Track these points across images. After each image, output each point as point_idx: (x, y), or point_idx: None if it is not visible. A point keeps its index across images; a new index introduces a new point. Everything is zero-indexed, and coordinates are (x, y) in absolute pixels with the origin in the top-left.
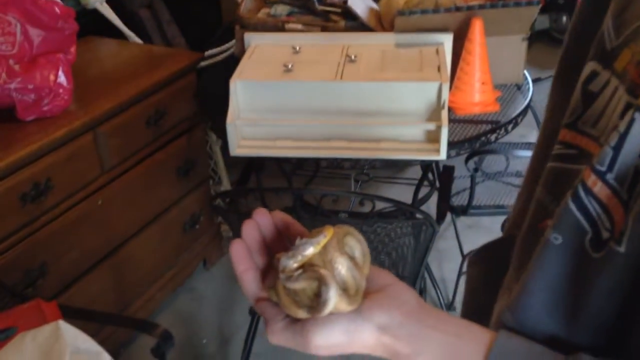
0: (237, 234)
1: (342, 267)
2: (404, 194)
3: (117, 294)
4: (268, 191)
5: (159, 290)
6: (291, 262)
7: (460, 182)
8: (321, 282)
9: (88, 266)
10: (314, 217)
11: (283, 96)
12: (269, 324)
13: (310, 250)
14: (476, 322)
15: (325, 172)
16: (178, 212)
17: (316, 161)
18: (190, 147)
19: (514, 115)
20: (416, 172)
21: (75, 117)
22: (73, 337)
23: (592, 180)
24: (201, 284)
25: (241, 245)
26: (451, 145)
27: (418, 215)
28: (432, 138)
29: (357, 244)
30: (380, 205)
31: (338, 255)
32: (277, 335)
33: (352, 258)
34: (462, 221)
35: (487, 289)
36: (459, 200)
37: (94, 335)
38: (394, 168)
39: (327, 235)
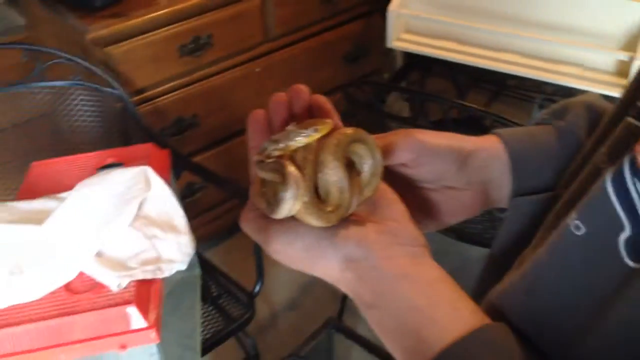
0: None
1: (330, 174)
2: None
3: None
4: (430, 99)
5: None
6: (271, 148)
7: None
8: (282, 178)
9: (235, 130)
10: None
11: None
12: (244, 209)
13: (294, 141)
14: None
15: (508, 90)
16: (339, 98)
17: (502, 77)
18: (364, 33)
19: None
20: None
21: None
22: (157, 184)
23: None
24: None
25: (261, 116)
26: None
27: None
28: (622, 71)
29: (367, 156)
30: None
31: (331, 159)
32: (245, 224)
33: (353, 170)
34: None
35: (518, 243)
36: None
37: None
38: None
39: (320, 130)
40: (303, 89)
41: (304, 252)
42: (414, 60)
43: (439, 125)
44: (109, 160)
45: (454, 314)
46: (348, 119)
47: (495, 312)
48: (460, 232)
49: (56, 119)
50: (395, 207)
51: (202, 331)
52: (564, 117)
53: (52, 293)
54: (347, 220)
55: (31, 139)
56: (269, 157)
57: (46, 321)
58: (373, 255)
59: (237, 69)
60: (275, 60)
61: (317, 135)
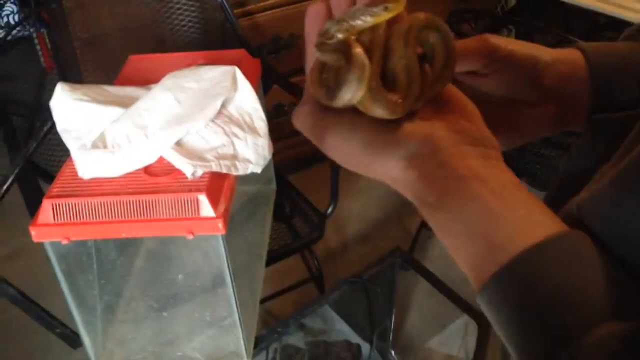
0: None
1: (398, 59)
2: None
3: None
4: None
5: None
6: (334, 28)
7: None
8: (346, 59)
9: None
10: None
11: None
12: (298, 105)
13: (360, 21)
14: None
15: None
16: None
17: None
18: None
19: None
20: None
21: None
22: (243, 85)
23: None
24: None
25: (322, 7)
26: None
27: None
28: None
29: (440, 45)
30: None
31: (401, 44)
32: (299, 119)
33: (424, 59)
34: None
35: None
36: None
37: None
38: None
39: (390, 8)
40: None
41: (362, 147)
42: (525, 4)
43: None
44: (201, 61)
45: (531, 218)
46: None
47: (573, 222)
48: (522, 172)
49: (161, 25)
50: (466, 106)
51: (271, 243)
52: None
53: (132, 173)
54: (414, 115)
55: (138, 41)
56: (331, 38)
57: (123, 196)
58: (441, 153)
59: None
60: None
61: (386, 15)
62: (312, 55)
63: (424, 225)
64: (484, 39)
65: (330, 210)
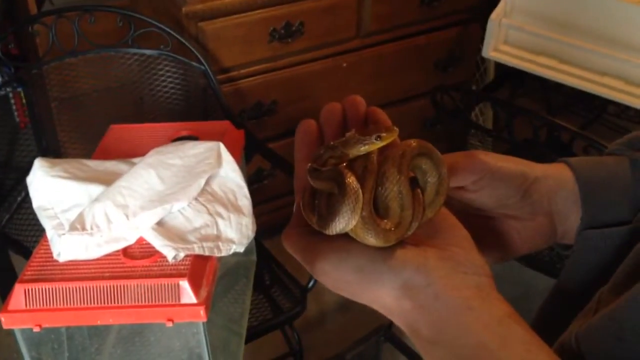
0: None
1: (390, 187)
2: None
3: None
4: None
5: None
6: (327, 155)
7: None
8: (339, 189)
9: None
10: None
11: (572, 8)
12: (288, 225)
13: (354, 149)
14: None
15: (603, 120)
16: (424, 105)
17: (600, 104)
18: (459, 42)
19: None
20: None
21: None
22: (227, 162)
23: None
24: None
25: (312, 127)
26: None
27: None
28: None
29: (433, 173)
30: None
31: (394, 172)
32: (289, 241)
33: (416, 185)
34: None
35: (589, 279)
36: None
37: None
38: None
39: (383, 138)
40: (359, 100)
41: (354, 274)
42: (505, 75)
43: (526, 145)
44: (185, 133)
45: (527, 356)
46: (434, 126)
47: (572, 355)
48: (530, 259)
49: (141, 87)
50: (458, 232)
51: (250, 318)
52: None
53: (110, 255)
54: (405, 242)
55: (116, 103)
56: (324, 165)
57: (100, 282)
58: (435, 283)
59: (324, 61)
60: (364, 57)
61: (380, 144)
62: (301, 171)
63: None
64: (473, 156)
65: (312, 284)
